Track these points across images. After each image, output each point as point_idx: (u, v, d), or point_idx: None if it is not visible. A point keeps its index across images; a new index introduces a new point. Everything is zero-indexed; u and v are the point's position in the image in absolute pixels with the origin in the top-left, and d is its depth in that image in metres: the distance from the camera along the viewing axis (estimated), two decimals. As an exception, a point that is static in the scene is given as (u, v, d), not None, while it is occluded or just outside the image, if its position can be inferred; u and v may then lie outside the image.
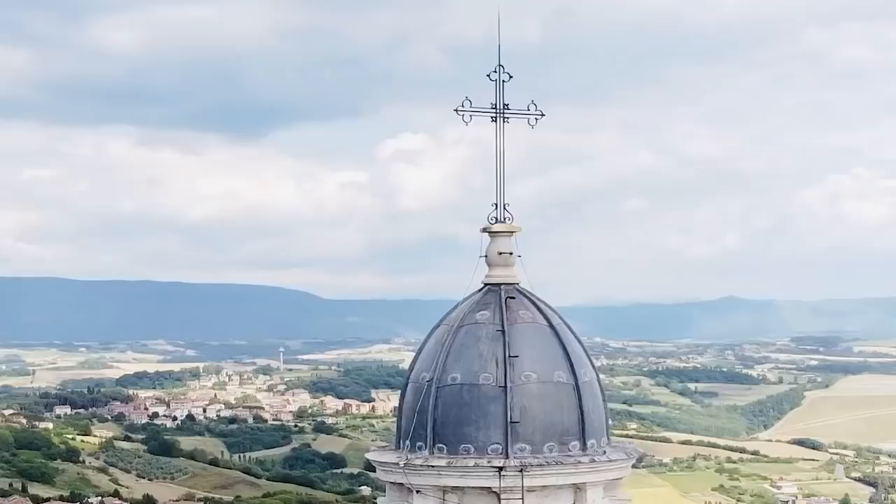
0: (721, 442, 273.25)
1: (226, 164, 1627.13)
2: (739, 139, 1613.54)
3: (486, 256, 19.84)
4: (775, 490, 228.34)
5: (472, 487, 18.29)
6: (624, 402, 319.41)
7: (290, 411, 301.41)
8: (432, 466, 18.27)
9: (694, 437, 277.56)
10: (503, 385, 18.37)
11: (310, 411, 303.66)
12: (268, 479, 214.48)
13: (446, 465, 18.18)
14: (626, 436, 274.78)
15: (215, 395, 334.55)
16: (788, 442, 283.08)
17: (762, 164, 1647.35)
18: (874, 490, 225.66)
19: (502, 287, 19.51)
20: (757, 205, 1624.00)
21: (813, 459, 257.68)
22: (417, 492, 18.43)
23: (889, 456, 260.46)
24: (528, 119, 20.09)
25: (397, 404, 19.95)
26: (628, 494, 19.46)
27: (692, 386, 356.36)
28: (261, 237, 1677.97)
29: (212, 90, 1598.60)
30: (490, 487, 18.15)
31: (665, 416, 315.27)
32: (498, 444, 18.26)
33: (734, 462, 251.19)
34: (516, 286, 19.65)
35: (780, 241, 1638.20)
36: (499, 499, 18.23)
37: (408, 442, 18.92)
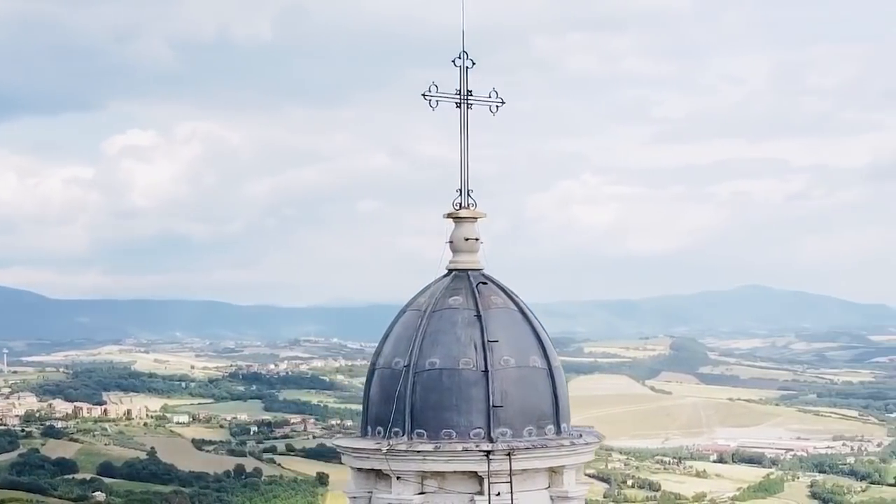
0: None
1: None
2: (472, 143, 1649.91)
3: (451, 242, 19.95)
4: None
5: (455, 472, 18.34)
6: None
7: (17, 415, 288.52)
8: (418, 452, 18.21)
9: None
10: (484, 370, 18.48)
11: (37, 415, 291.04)
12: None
13: (433, 449, 18.14)
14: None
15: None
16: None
17: (495, 168, 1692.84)
18: (608, 486, 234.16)
19: (470, 273, 19.65)
20: (490, 208, 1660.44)
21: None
22: (398, 478, 18.33)
23: (620, 453, 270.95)
24: (490, 106, 20.33)
25: (363, 391, 19.70)
26: (587, 478, 19.85)
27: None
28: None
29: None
30: (476, 471, 18.26)
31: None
32: (480, 428, 18.37)
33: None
34: (482, 272, 19.83)
35: (514, 245, 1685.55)
36: (481, 482, 18.33)
37: (380, 428, 18.82)
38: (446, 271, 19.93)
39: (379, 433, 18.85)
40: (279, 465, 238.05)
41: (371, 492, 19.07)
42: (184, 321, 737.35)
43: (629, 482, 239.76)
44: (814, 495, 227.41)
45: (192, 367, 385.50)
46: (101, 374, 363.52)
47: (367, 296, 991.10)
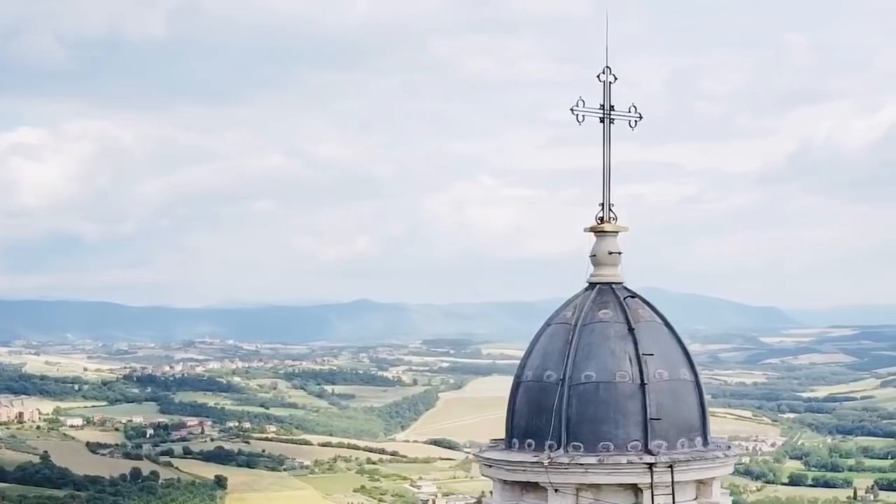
0: (361, 443, 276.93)
1: None
2: (368, 144, 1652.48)
3: (593, 256, 20.19)
4: (415, 489, 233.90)
5: (612, 484, 18.54)
6: (261, 406, 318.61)
7: None
8: (580, 464, 18.36)
9: (334, 440, 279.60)
10: (641, 383, 18.76)
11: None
12: None
13: (597, 462, 18.31)
14: (266, 439, 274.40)
15: None
16: (425, 442, 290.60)
17: (391, 169, 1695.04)
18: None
19: (613, 286, 19.92)
20: (387, 209, 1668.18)
21: (450, 459, 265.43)
22: (556, 490, 18.48)
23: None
24: (629, 121, 20.52)
25: (507, 405, 19.91)
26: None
27: (329, 388, 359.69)
28: None
29: None
30: (635, 483, 18.51)
31: (303, 418, 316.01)
32: (637, 440, 18.61)
33: (374, 463, 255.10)
34: (623, 285, 20.10)
35: (410, 246, 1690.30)
36: (636, 494, 18.60)
37: (531, 441, 18.99)
38: (587, 284, 20.19)
39: (530, 446, 19.01)
40: (176, 468, 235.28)
41: (517, 503, 19.26)
42: (75, 322, 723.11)
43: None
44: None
45: (85, 370, 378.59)
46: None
47: (262, 297, 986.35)
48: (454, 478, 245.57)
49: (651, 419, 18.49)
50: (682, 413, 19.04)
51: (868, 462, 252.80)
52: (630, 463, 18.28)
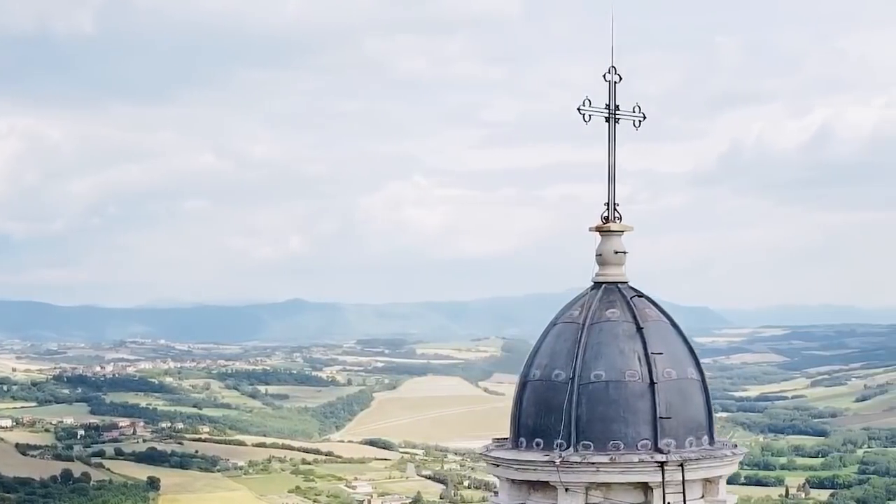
0: (295, 444, 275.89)
1: None
2: (301, 143, 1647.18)
3: (599, 255, 20.16)
4: (350, 490, 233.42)
5: (622, 483, 18.54)
6: (194, 406, 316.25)
7: None
8: (592, 463, 18.35)
9: (268, 440, 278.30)
10: (650, 382, 18.78)
11: None
12: None
13: (609, 461, 18.28)
14: (200, 439, 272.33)
15: None
16: (360, 442, 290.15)
17: (324, 168, 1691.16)
18: (444, 487, 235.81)
19: (619, 286, 19.91)
20: (320, 209, 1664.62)
21: (385, 459, 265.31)
22: (567, 490, 18.42)
23: (455, 454, 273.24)
24: (633, 121, 20.52)
25: (513, 404, 19.74)
26: (722, 486, 20.27)
27: (262, 388, 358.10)
28: None
29: None
30: (646, 482, 18.52)
31: (237, 418, 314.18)
32: (647, 439, 18.65)
33: (309, 463, 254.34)
34: (628, 284, 20.10)
35: (344, 246, 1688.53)
36: (646, 493, 18.61)
37: (539, 440, 18.91)
38: (593, 283, 20.19)
39: (538, 445, 18.94)
40: (108, 469, 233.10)
41: (524, 502, 19.23)
42: (3, 322, 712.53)
43: (465, 483, 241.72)
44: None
45: (14, 370, 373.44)
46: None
47: (194, 296, 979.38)
48: (390, 478, 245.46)
49: (661, 418, 18.57)
50: (690, 412, 19.17)
51: (799, 461, 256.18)
52: (641, 462, 18.33)
